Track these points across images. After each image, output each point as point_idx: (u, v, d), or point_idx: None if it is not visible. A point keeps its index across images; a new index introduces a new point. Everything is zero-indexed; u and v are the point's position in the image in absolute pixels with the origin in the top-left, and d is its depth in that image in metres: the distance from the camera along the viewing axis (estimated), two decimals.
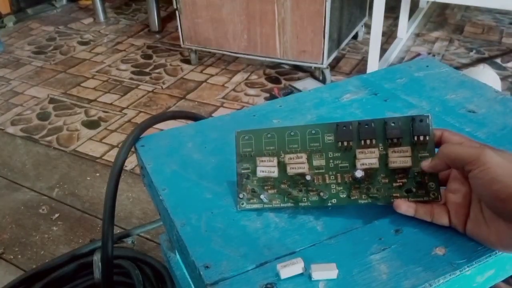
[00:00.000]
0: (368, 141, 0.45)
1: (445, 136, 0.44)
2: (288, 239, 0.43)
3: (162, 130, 0.61)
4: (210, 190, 0.49)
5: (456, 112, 0.59)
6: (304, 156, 0.46)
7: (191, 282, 0.55)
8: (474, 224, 0.40)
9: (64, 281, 0.99)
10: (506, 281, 0.49)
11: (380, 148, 0.45)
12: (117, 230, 1.14)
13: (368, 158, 0.45)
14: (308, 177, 0.45)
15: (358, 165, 0.45)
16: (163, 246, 0.63)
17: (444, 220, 0.42)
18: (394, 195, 0.44)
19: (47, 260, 1.10)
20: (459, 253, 0.40)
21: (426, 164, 0.43)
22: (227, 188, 0.49)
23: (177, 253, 0.60)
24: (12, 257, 1.15)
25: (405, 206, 0.43)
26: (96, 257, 0.92)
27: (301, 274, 0.39)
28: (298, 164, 0.46)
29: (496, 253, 0.40)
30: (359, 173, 0.44)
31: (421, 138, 0.44)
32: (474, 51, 2.04)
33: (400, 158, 0.44)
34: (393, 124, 0.44)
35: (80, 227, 1.23)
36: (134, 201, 1.31)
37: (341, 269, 0.39)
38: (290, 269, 0.39)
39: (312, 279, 0.38)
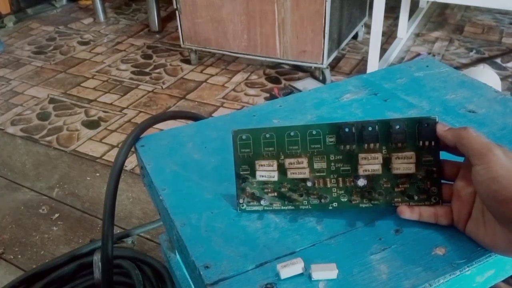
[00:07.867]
0: (371, 145, 0.44)
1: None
2: (288, 239, 0.43)
3: (162, 130, 0.61)
4: (210, 190, 0.49)
5: (456, 112, 0.59)
6: (305, 161, 0.45)
7: (191, 282, 0.55)
8: (474, 224, 0.40)
9: (64, 281, 0.99)
10: (506, 281, 0.49)
11: (383, 151, 0.44)
12: (117, 230, 1.14)
13: (371, 164, 0.44)
14: (309, 184, 0.45)
15: (360, 171, 0.44)
16: (163, 246, 0.63)
17: (448, 221, 0.42)
18: (395, 199, 0.44)
19: (47, 260, 1.10)
20: (459, 253, 0.40)
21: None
22: (227, 188, 0.49)
23: (177, 253, 0.60)
24: (12, 257, 1.15)
25: (409, 212, 0.43)
26: (96, 257, 0.92)
27: (301, 274, 0.39)
28: (299, 169, 0.45)
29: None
30: (361, 182, 0.44)
31: (426, 143, 0.43)
32: (474, 51, 2.04)
33: (403, 164, 0.44)
34: (398, 128, 0.43)
35: (80, 227, 1.23)
36: (134, 201, 1.31)
37: (341, 269, 0.39)
38: (290, 269, 0.39)
39: (312, 279, 0.38)
